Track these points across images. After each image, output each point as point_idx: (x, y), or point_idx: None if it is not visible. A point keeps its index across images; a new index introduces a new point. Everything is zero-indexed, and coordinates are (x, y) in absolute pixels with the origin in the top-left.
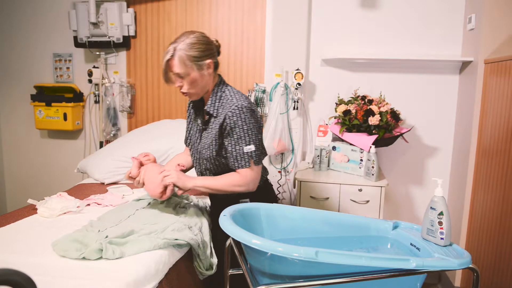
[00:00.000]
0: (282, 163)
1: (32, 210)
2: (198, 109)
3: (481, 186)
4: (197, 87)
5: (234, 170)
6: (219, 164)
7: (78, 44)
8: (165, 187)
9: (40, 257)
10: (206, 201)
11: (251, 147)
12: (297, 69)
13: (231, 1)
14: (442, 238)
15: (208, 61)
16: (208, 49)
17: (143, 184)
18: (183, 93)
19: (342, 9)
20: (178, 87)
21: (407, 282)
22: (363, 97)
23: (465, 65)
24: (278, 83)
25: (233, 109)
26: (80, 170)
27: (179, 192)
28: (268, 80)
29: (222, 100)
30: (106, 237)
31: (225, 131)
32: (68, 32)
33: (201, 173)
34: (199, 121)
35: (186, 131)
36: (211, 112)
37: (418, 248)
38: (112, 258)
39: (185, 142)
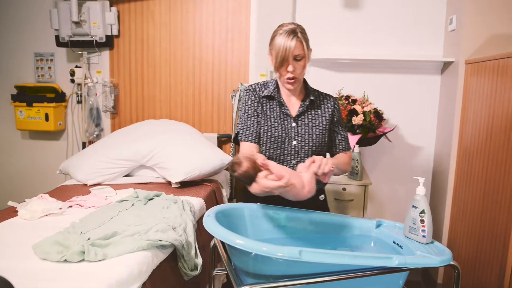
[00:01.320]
0: None
1: (13, 212)
2: (277, 103)
3: (462, 184)
4: (304, 73)
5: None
6: (320, 150)
7: (60, 43)
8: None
9: (20, 260)
10: (190, 201)
11: None
12: None
13: (215, 1)
14: (424, 236)
15: (311, 49)
16: None
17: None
18: (292, 78)
19: (326, 9)
20: (289, 71)
21: (390, 279)
22: (347, 97)
23: (446, 65)
24: None
25: (335, 99)
26: (63, 171)
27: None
28: (252, 80)
29: (314, 91)
30: (89, 239)
31: (334, 118)
32: (49, 31)
33: (292, 167)
34: (288, 111)
35: (251, 127)
36: (316, 101)
37: (400, 246)
38: (94, 260)
39: (254, 139)
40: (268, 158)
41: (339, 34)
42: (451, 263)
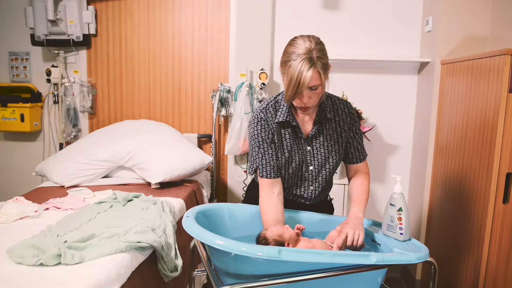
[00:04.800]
0: (247, 163)
1: None
2: (291, 127)
3: (438, 182)
4: (320, 97)
5: (351, 164)
6: (334, 170)
7: (35, 42)
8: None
9: None
10: (170, 202)
11: None
12: (262, 69)
13: (194, 0)
14: (401, 233)
15: (330, 65)
16: None
17: None
18: (306, 108)
19: (305, 10)
20: (303, 103)
21: (369, 276)
22: None
23: (423, 65)
24: (242, 83)
25: (350, 106)
26: (39, 173)
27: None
28: (232, 80)
29: (328, 100)
30: (65, 241)
31: (351, 130)
32: (24, 30)
33: (311, 193)
34: (301, 135)
35: (272, 162)
36: (332, 118)
37: (379, 244)
38: (71, 263)
39: (275, 174)
40: (287, 187)
41: (318, 35)
42: (428, 259)
